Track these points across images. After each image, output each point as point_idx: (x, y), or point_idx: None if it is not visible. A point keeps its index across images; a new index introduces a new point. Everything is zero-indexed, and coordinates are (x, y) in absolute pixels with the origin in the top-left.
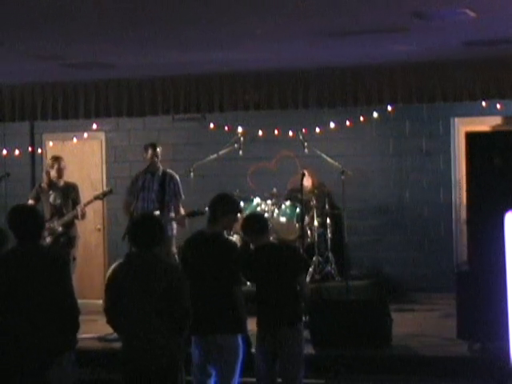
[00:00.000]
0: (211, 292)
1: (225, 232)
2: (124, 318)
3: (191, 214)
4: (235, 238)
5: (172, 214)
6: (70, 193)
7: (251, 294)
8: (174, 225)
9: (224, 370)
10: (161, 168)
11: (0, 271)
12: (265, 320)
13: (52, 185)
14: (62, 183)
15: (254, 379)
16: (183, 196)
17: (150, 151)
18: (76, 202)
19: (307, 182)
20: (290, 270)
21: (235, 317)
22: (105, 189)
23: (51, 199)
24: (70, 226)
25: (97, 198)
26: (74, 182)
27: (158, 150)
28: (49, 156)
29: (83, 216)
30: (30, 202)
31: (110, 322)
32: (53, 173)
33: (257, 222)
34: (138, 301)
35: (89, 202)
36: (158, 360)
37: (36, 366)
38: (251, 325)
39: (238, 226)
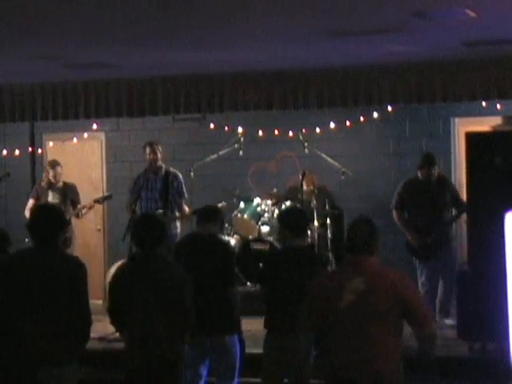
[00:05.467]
0: (207, 293)
1: (225, 232)
2: (128, 317)
3: (196, 213)
4: (235, 238)
5: (176, 213)
6: (68, 193)
7: (252, 295)
8: (178, 223)
9: (224, 371)
10: (163, 167)
11: (15, 271)
12: (281, 327)
13: (51, 185)
14: (60, 184)
15: (251, 379)
16: (186, 195)
17: (147, 150)
18: (75, 202)
19: (305, 185)
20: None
21: (231, 317)
22: (105, 193)
23: (50, 198)
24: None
25: (96, 201)
26: (73, 183)
27: (156, 148)
28: (49, 156)
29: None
30: (31, 201)
31: (113, 322)
32: (50, 177)
33: (296, 222)
34: (141, 301)
35: (90, 207)
36: (161, 359)
37: (38, 372)
38: (252, 325)
39: (237, 225)
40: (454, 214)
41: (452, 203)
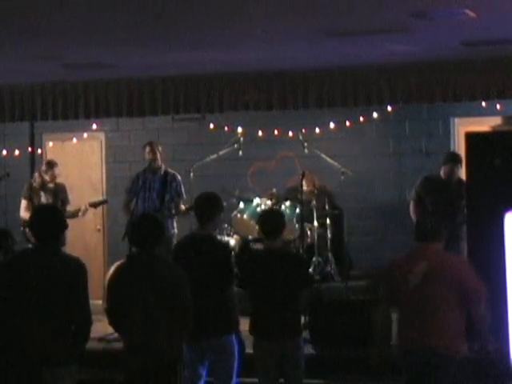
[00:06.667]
0: (205, 294)
1: (225, 232)
2: (126, 318)
3: (192, 209)
4: (235, 238)
5: (173, 212)
6: (59, 193)
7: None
8: (175, 223)
9: (222, 371)
10: (163, 167)
11: (16, 271)
12: (266, 330)
13: (44, 185)
14: (52, 184)
15: (249, 379)
16: (185, 196)
17: (146, 149)
18: (64, 201)
19: (305, 185)
20: (296, 283)
21: (229, 318)
22: (101, 198)
23: (43, 199)
24: None
25: (92, 205)
26: (63, 182)
27: (155, 148)
28: (49, 156)
29: (84, 215)
30: (25, 202)
31: (111, 322)
32: (46, 177)
33: (271, 223)
34: (141, 301)
35: (84, 212)
36: (161, 359)
37: (38, 372)
38: (248, 325)
39: (237, 225)
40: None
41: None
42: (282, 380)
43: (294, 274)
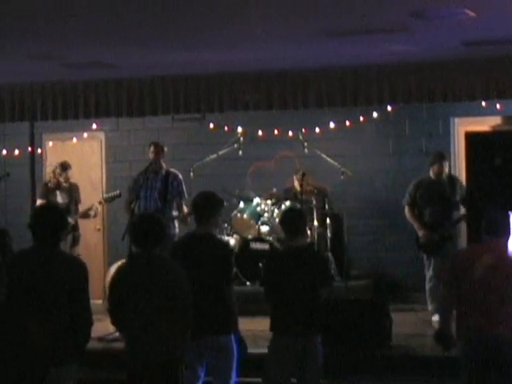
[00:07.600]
0: (204, 293)
1: (225, 231)
2: (128, 317)
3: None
4: (235, 237)
5: (175, 213)
6: (73, 192)
7: (251, 295)
8: (176, 223)
9: (221, 371)
10: (164, 167)
11: (17, 271)
12: (286, 327)
13: (59, 185)
14: (66, 184)
15: (249, 379)
16: (187, 195)
17: (151, 149)
18: (77, 201)
19: (298, 185)
20: (316, 281)
21: (228, 317)
22: (114, 192)
23: (59, 198)
24: (75, 224)
25: (106, 200)
26: (76, 183)
27: (159, 150)
28: (49, 156)
29: (95, 215)
30: (40, 201)
31: (114, 322)
32: (61, 179)
33: (293, 222)
34: (142, 301)
35: (96, 211)
36: (162, 359)
37: (38, 371)
38: (251, 325)
39: (237, 225)
40: (462, 212)
41: (461, 202)
42: (294, 380)
43: (315, 272)
